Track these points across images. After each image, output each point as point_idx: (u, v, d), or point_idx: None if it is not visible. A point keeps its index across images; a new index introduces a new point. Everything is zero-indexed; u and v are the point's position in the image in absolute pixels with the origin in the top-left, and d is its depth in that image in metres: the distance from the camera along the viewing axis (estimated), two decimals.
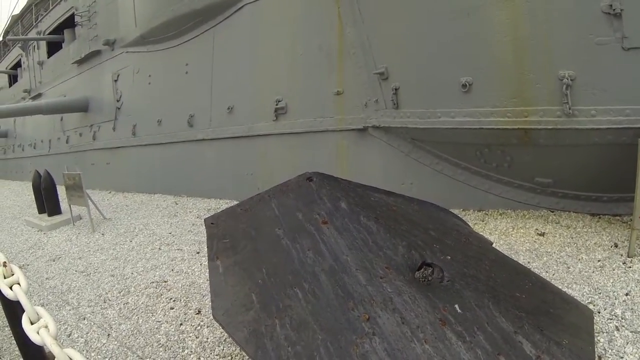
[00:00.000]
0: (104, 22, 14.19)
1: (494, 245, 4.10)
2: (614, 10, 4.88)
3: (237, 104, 9.48)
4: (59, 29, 18.00)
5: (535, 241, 5.19)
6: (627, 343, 3.15)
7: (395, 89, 6.50)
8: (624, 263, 4.44)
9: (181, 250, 6.59)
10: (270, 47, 8.68)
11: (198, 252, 6.30)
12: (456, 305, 2.54)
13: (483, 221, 6.02)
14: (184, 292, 5.00)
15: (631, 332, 3.28)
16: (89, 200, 8.77)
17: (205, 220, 3.66)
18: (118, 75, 13.81)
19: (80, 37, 15.74)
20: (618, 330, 3.32)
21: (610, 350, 3.09)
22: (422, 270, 2.77)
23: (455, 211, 5.99)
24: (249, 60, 9.16)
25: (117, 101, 13.83)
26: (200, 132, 10.51)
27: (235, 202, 4.13)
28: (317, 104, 7.87)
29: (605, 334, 3.28)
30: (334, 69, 7.53)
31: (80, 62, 16.05)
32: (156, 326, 4.24)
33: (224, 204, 9.17)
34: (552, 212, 5.93)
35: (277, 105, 8.47)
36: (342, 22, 7.20)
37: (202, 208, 9.41)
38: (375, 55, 6.75)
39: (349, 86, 7.35)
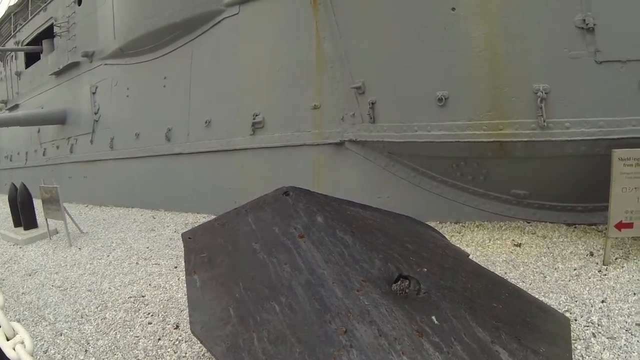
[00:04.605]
0: (83, 34, 14.05)
1: (470, 257, 4.15)
2: (587, 24, 5.00)
3: (214, 117, 9.46)
4: (37, 40, 17.79)
5: (511, 252, 5.25)
6: (604, 349, 3.20)
7: (372, 103, 6.54)
8: (599, 271, 4.52)
9: (159, 264, 6.53)
10: (248, 61, 8.69)
11: (176, 267, 6.24)
12: (433, 317, 2.56)
13: (460, 233, 6.07)
14: (162, 306, 4.95)
15: (607, 338, 3.33)
16: (66, 214, 8.64)
17: (182, 234, 3.65)
18: (96, 88, 13.67)
19: (59, 48, 15.56)
20: (595, 336, 3.37)
21: (587, 357, 3.14)
22: (398, 282, 2.79)
23: (432, 224, 6.00)
24: (227, 74, 9.16)
25: (95, 114, 13.67)
26: (177, 146, 10.44)
27: (213, 217, 4.12)
28: (294, 118, 7.88)
29: (582, 341, 3.33)
30: (311, 83, 7.55)
31: (58, 73, 15.84)
32: (134, 341, 4.20)
33: (201, 219, 9.09)
34: (529, 223, 6.01)
35: (254, 119, 8.46)
36: (320, 36, 7.25)
37: (179, 222, 9.34)
38: (352, 70, 6.79)
39: (326, 100, 7.38)
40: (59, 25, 15.32)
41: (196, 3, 9.46)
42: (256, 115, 8.45)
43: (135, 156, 11.99)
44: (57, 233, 9.49)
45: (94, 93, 13.77)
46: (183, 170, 10.42)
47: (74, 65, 14.77)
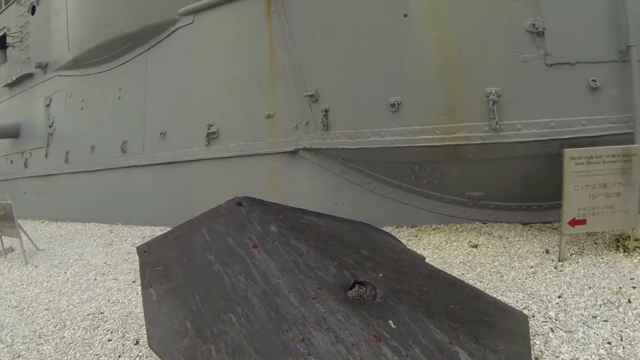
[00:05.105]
0: (37, 44, 13.79)
1: (427, 260, 4.19)
2: (536, 28, 5.17)
3: (169, 129, 9.39)
4: None
5: (468, 253, 5.33)
6: (562, 343, 3.26)
7: (325, 111, 6.57)
8: (555, 267, 4.64)
9: (117, 280, 6.41)
10: (202, 71, 8.66)
11: (134, 281, 6.13)
12: (390, 321, 2.57)
13: (416, 237, 6.13)
14: (121, 322, 4.84)
15: (565, 332, 3.40)
16: (21, 231, 8.40)
17: (137, 248, 3.59)
18: (50, 100, 13.39)
19: (12, 59, 15.25)
20: (553, 331, 3.43)
21: (546, 352, 3.19)
22: (354, 289, 2.79)
23: (389, 229, 6.06)
24: (181, 84, 9.10)
25: (50, 127, 13.36)
26: (133, 158, 10.32)
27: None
28: (248, 128, 7.90)
29: (540, 337, 3.38)
30: (265, 92, 7.58)
31: (11, 85, 15.50)
32: None
33: (159, 231, 8.94)
34: (485, 223, 6.12)
35: (209, 129, 8.44)
36: (274, 45, 7.28)
37: (137, 236, 9.21)
38: (305, 78, 6.83)
39: (280, 109, 7.42)
40: (11, 35, 14.98)
41: (151, 12, 9.40)
42: (210, 126, 8.43)
43: (90, 169, 11.76)
44: (13, 251, 9.20)
45: (48, 105, 13.48)
46: (139, 183, 10.28)
47: (28, 76, 14.48)
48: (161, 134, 9.51)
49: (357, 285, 2.81)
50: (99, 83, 11.45)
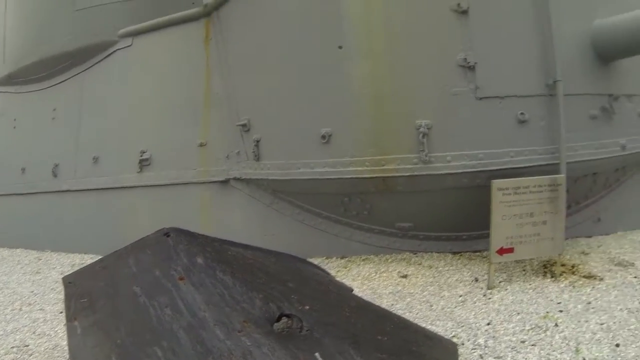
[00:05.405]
0: None
1: (356, 291, 4.24)
2: (468, 63, 5.34)
3: (102, 154, 9.17)
4: None
5: (398, 284, 5.38)
6: None
7: (257, 141, 6.61)
8: (484, 295, 4.76)
9: (44, 310, 6.15)
10: (137, 96, 8.56)
11: (61, 312, 5.87)
12: (317, 354, 2.58)
13: (346, 268, 6.13)
14: (47, 356, 4.65)
15: (494, 358, 3.48)
16: None
17: (63, 279, 3.50)
18: None
19: None
20: (482, 358, 3.51)
21: None
22: (280, 321, 2.81)
23: (318, 260, 6.12)
24: (116, 109, 8.93)
25: None
26: (64, 183, 9.98)
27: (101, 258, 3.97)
28: (180, 156, 7.86)
29: None
30: (198, 119, 7.58)
31: None
32: None
33: (89, 259, 8.62)
34: (415, 254, 6.19)
35: (141, 156, 8.33)
36: (210, 73, 7.30)
37: (66, 264, 8.86)
38: (238, 107, 6.86)
39: (213, 138, 7.45)
40: None
41: (91, 32, 9.23)
42: (143, 152, 8.32)
43: (20, 192, 11.25)
44: None
45: None
46: (70, 209, 9.93)
47: None
48: (94, 158, 9.26)
49: (283, 317, 2.83)
50: (33, 102, 11.06)
